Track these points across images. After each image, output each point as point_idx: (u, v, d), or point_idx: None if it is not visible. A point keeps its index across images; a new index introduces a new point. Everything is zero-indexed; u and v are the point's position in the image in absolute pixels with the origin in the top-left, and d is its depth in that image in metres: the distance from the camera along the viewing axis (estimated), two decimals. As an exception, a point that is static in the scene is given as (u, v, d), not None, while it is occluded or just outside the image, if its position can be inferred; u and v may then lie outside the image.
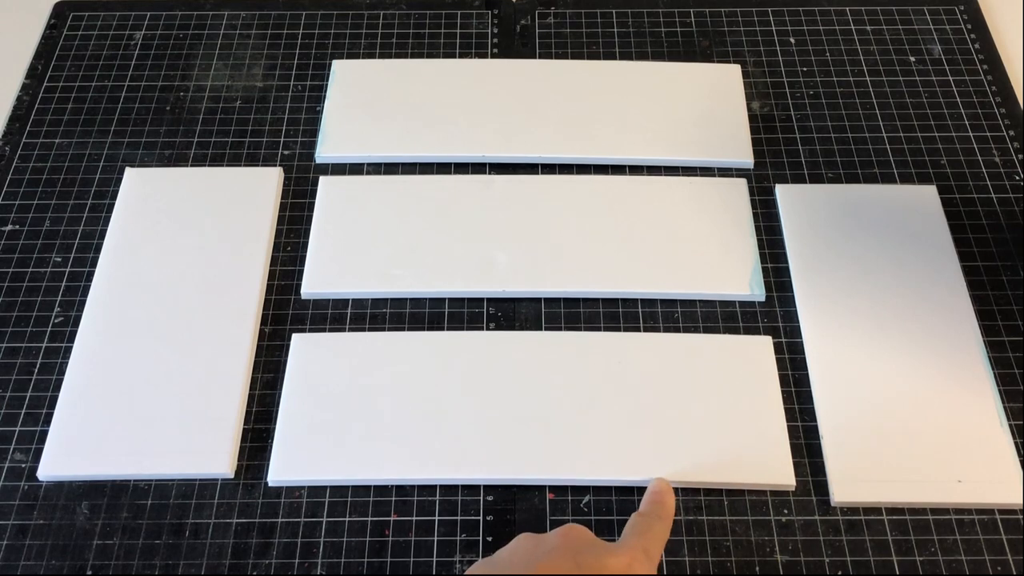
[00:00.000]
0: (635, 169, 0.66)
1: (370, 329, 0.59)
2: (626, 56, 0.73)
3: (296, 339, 0.57)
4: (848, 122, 0.69)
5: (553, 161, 0.66)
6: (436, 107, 0.69)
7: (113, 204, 0.63)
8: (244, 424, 0.55)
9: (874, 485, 0.52)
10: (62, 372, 0.56)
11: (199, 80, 0.72)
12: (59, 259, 0.62)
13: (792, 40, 0.74)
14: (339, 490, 0.53)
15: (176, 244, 0.61)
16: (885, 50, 0.73)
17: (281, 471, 0.53)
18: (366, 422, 0.54)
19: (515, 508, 0.52)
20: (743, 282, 0.60)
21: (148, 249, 0.61)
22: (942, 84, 0.71)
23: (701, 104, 0.69)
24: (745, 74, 0.71)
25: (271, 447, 0.53)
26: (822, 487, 0.52)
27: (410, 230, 0.62)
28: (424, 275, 0.60)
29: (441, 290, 0.60)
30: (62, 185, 0.66)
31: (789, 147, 0.67)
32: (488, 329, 0.59)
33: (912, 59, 0.73)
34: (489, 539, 0.51)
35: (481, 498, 0.53)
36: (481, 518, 0.52)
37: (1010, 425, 0.54)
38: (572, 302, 0.60)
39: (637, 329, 0.59)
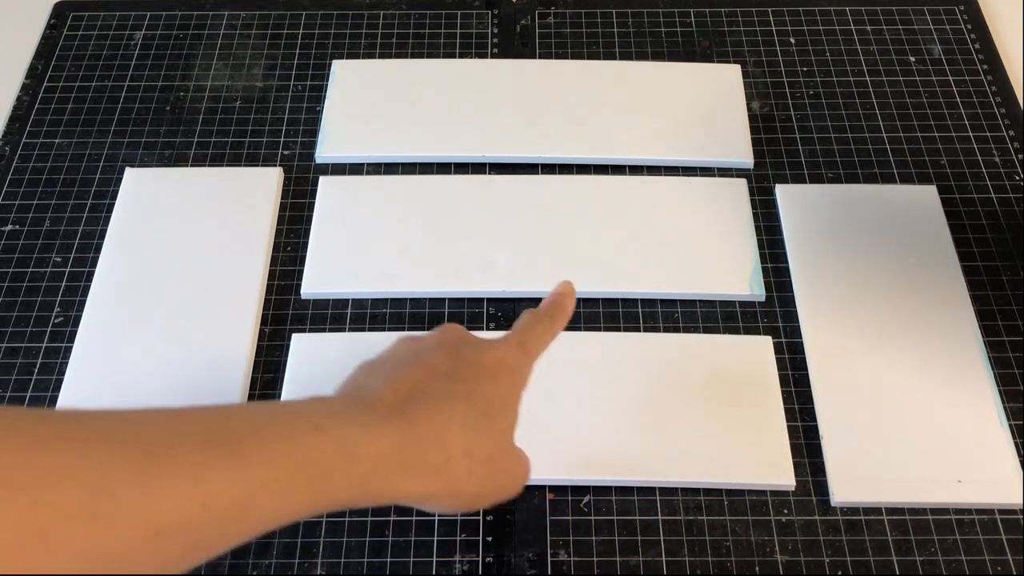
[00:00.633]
0: (635, 169, 0.66)
1: (370, 329, 0.59)
2: (626, 56, 0.73)
3: (296, 339, 0.57)
4: (848, 122, 0.69)
5: (553, 161, 0.66)
6: (436, 107, 0.69)
7: (113, 204, 0.63)
8: (244, 424, 0.55)
9: (874, 485, 0.52)
10: (62, 372, 0.56)
11: (199, 80, 0.72)
12: (59, 259, 0.62)
13: (792, 40, 0.74)
14: (339, 490, 0.53)
15: (176, 244, 0.61)
16: (885, 50, 0.73)
17: (281, 471, 0.52)
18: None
19: (515, 508, 0.52)
20: (743, 282, 0.60)
21: (148, 249, 0.61)
22: (942, 84, 0.71)
23: (701, 104, 0.69)
24: (745, 74, 0.71)
25: (271, 447, 0.53)
26: (822, 487, 0.52)
27: (410, 230, 0.62)
28: (424, 275, 0.60)
29: (441, 290, 0.60)
30: (62, 185, 0.66)
31: (789, 147, 0.67)
32: (488, 329, 0.59)
33: (912, 59, 0.73)
34: (489, 539, 0.51)
35: (481, 498, 0.52)
36: (481, 518, 0.52)
37: (1010, 425, 0.54)
38: (572, 302, 0.60)
39: (637, 329, 0.59)
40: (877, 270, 0.60)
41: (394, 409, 0.37)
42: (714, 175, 0.66)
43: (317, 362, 0.56)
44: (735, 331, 0.59)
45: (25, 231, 0.63)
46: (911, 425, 0.54)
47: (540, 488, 0.53)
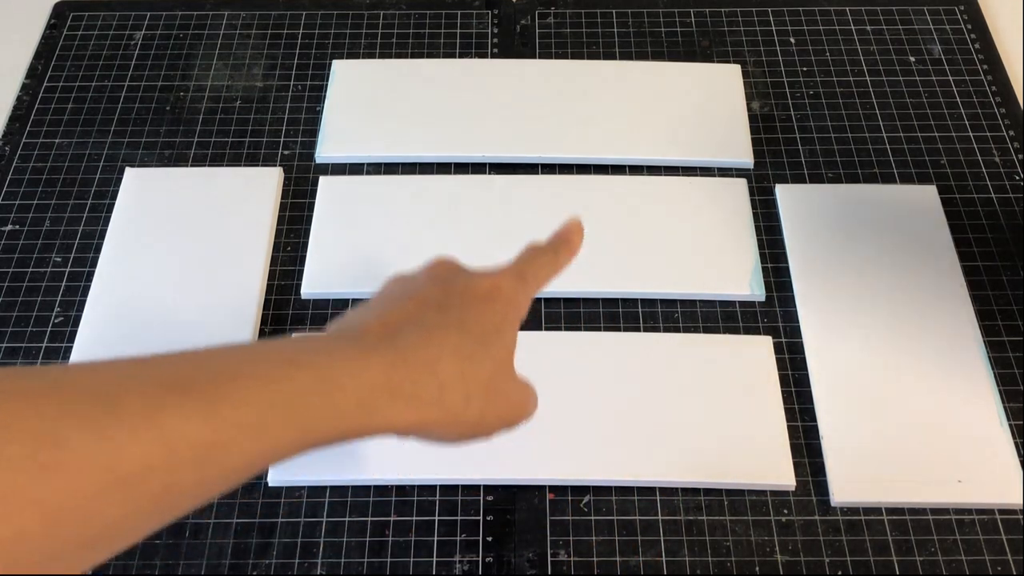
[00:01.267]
0: (635, 169, 0.66)
1: (370, 329, 0.59)
2: (626, 56, 0.73)
3: None
4: (848, 122, 0.69)
5: (553, 161, 0.66)
6: (436, 107, 0.69)
7: (113, 204, 0.63)
8: (244, 424, 0.55)
9: (874, 485, 0.52)
10: (62, 372, 0.56)
11: (199, 80, 0.72)
12: (59, 259, 0.62)
13: (792, 40, 0.74)
14: (339, 490, 0.53)
15: (176, 244, 0.61)
16: (885, 50, 0.73)
17: (281, 471, 0.53)
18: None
19: (515, 508, 0.52)
20: (743, 282, 0.60)
21: (148, 249, 0.61)
22: (942, 84, 0.71)
23: (701, 104, 0.69)
24: (745, 74, 0.71)
25: (271, 447, 0.53)
26: (822, 487, 0.52)
27: (410, 230, 0.62)
28: (424, 275, 0.60)
29: (441, 290, 0.60)
30: (62, 185, 0.66)
31: (789, 147, 0.67)
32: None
33: (912, 59, 0.73)
34: (489, 539, 0.51)
35: (481, 498, 0.53)
36: (481, 518, 0.52)
37: (1010, 425, 0.54)
38: (572, 302, 0.60)
39: (637, 329, 0.59)
40: (877, 270, 0.60)
41: (382, 339, 0.36)
42: (714, 175, 0.66)
43: None
44: (735, 331, 0.59)
45: (25, 231, 0.63)
46: (911, 425, 0.54)
47: (540, 488, 0.53)
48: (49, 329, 0.59)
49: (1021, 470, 0.52)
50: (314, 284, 0.60)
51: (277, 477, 0.52)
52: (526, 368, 0.56)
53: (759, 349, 0.57)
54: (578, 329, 0.59)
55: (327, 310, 0.60)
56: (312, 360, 0.34)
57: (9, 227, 0.64)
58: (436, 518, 0.52)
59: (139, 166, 0.66)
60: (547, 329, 0.59)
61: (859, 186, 0.65)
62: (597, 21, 0.75)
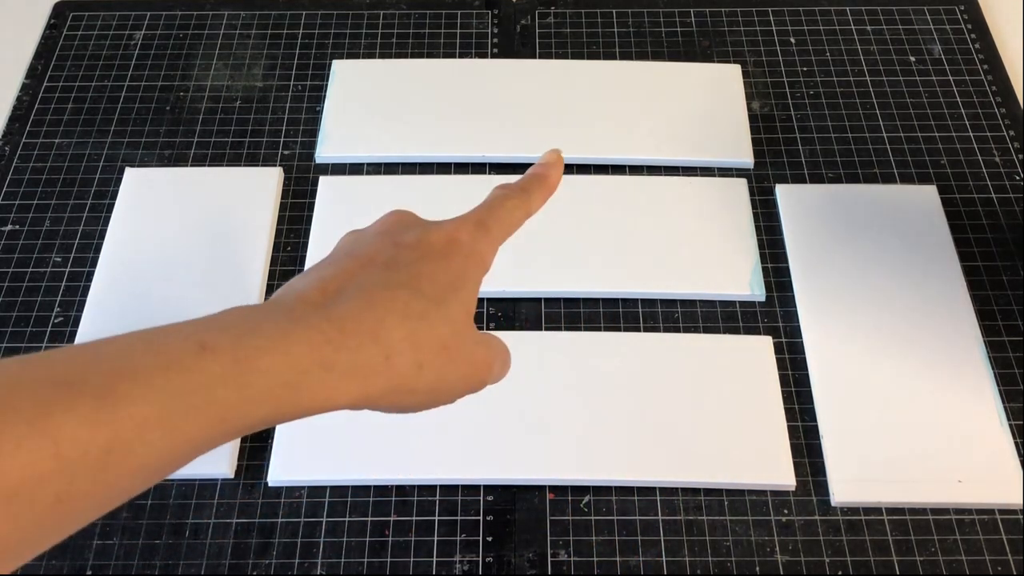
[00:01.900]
0: (635, 169, 0.66)
1: (370, 329, 0.59)
2: (626, 56, 0.73)
3: None
4: (848, 122, 0.69)
5: (553, 161, 0.66)
6: (436, 107, 0.69)
7: (113, 204, 0.63)
8: (244, 424, 0.55)
9: (874, 485, 0.52)
10: (62, 372, 0.56)
11: (199, 80, 0.72)
12: (59, 259, 0.62)
13: (792, 40, 0.74)
14: (339, 490, 0.53)
15: (176, 244, 0.61)
16: (885, 50, 0.73)
17: (281, 471, 0.53)
18: (366, 422, 0.54)
19: (515, 508, 0.52)
20: (743, 282, 0.60)
21: (148, 249, 0.61)
22: (942, 84, 0.71)
23: (701, 104, 0.69)
24: (745, 74, 0.71)
25: (271, 447, 0.53)
26: (822, 487, 0.52)
27: (410, 230, 0.62)
28: (424, 275, 0.60)
29: (441, 290, 0.60)
30: (62, 185, 0.66)
31: (789, 147, 0.67)
32: (488, 329, 0.59)
33: (912, 59, 0.73)
34: (489, 539, 0.51)
35: (481, 498, 0.52)
36: (481, 518, 0.52)
37: (1010, 425, 0.54)
38: (572, 302, 0.60)
39: (637, 329, 0.59)
40: (877, 270, 0.60)
41: (316, 308, 0.32)
42: (714, 175, 0.66)
43: None
44: (735, 331, 0.59)
45: (25, 231, 0.63)
46: (911, 425, 0.54)
47: (540, 488, 0.53)
48: (49, 329, 0.59)
49: (1021, 470, 0.52)
50: (314, 284, 0.60)
51: (277, 477, 0.52)
52: (526, 368, 0.56)
53: (759, 349, 0.57)
54: (578, 329, 0.59)
55: (327, 310, 0.59)
56: (226, 341, 0.30)
57: (9, 227, 0.64)
58: (436, 518, 0.52)
59: (139, 166, 0.66)
60: (547, 329, 0.59)
61: (859, 186, 0.65)
62: (597, 21, 0.75)
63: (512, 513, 0.52)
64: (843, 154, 0.67)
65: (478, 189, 0.64)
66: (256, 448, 0.54)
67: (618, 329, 0.59)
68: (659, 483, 0.52)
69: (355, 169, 0.67)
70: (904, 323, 0.57)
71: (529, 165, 0.66)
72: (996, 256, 0.62)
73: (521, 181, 0.41)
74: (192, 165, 0.67)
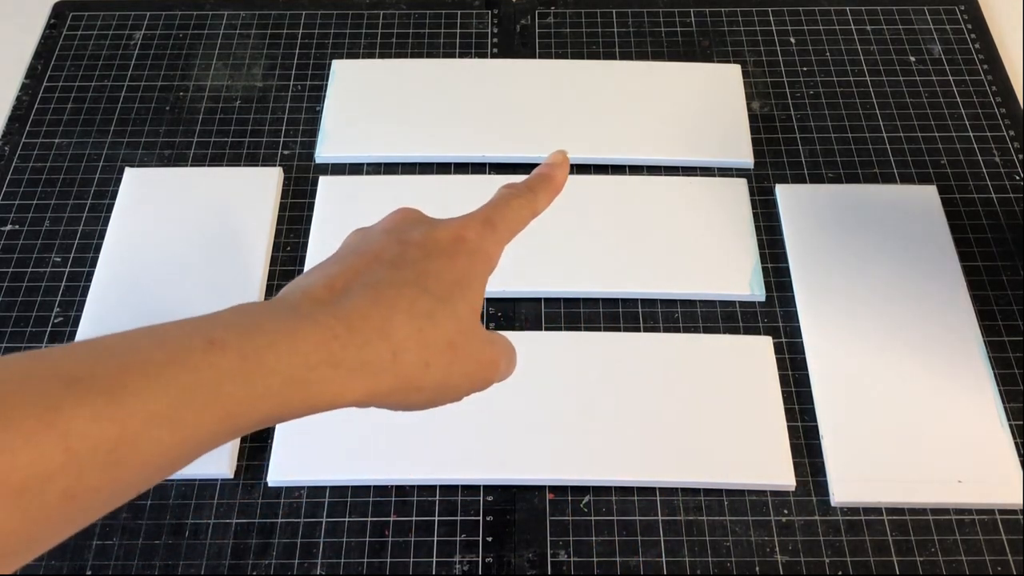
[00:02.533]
0: (635, 169, 0.66)
1: (370, 329, 0.59)
2: (626, 56, 0.73)
3: None
4: (848, 122, 0.69)
5: (553, 161, 0.66)
6: (436, 107, 0.69)
7: (113, 204, 0.63)
8: (244, 424, 0.55)
9: (874, 485, 0.52)
10: (62, 372, 0.56)
11: (199, 80, 0.72)
12: (59, 259, 0.62)
13: (792, 40, 0.74)
14: (339, 490, 0.53)
15: (176, 244, 0.61)
16: (885, 50, 0.73)
17: (281, 471, 0.53)
18: (366, 422, 0.54)
19: (515, 508, 0.52)
20: (743, 282, 0.60)
21: (148, 249, 0.61)
22: (942, 84, 0.71)
23: (701, 104, 0.69)
24: (745, 74, 0.71)
25: (271, 447, 0.53)
26: (822, 487, 0.52)
27: (410, 230, 0.62)
28: (424, 275, 0.60)
29: (441, 290, 0.60)
30: (62, 185, 0.66)
31: (789, 147, 0.67)
32: (488, 329, 0.59)
33: (912, 59, 0.73)
34: (489, 539, 0.51)
35: (481, 498, 0.52)
36: (481, 518, 0.52)
37: (1010, 425, 0.54)
38: (572, 302, 0.60)
39: (637, 329, 0.59)
40: (877, 270, 0.60)
41: (324, 305, 0.32)
42: (714, 175, 0.66)
43: None
44: (735, 331, 0.59)
45: (25, 231, 0.63)
46: (911, 425, 0.54)
47: (540, 488, 0.53)
48: (49, 329, 0.59)
49: (1021, 470, 0.52)
50: (314, 284, 0.60)
51: (277, 477, 0.52)
52: (527, 367, 0.56)
53: (759, 349, 0.57)
54: (578, 329, 0.59)
55: (327, 310, 0.59)
56: (234, 338, 0.30)
57: (9, 227, 0.64)
58: (436, 518, 0.52)
59: (139, 166, 0.66)
60: (547, 329, 0.59)
61: (859, 186, 0.65)
62: (597, 21, 0.75)
63: (512, 513, 0.52)
64: (843, 154, 0.67)
65: (478, 189, 0.64)
66: (256, 448, 0.54)
67: (618, 329, 0.59)
68: (659, 483, 0.52)
69: (355, 169, 0.67)
70: (904, 323, 0.57)
71: (529, 165, 0.66)
72: (996, 256, 0.62)
73: (527, 180, 0.41)
74: (192, 165, 0.67)
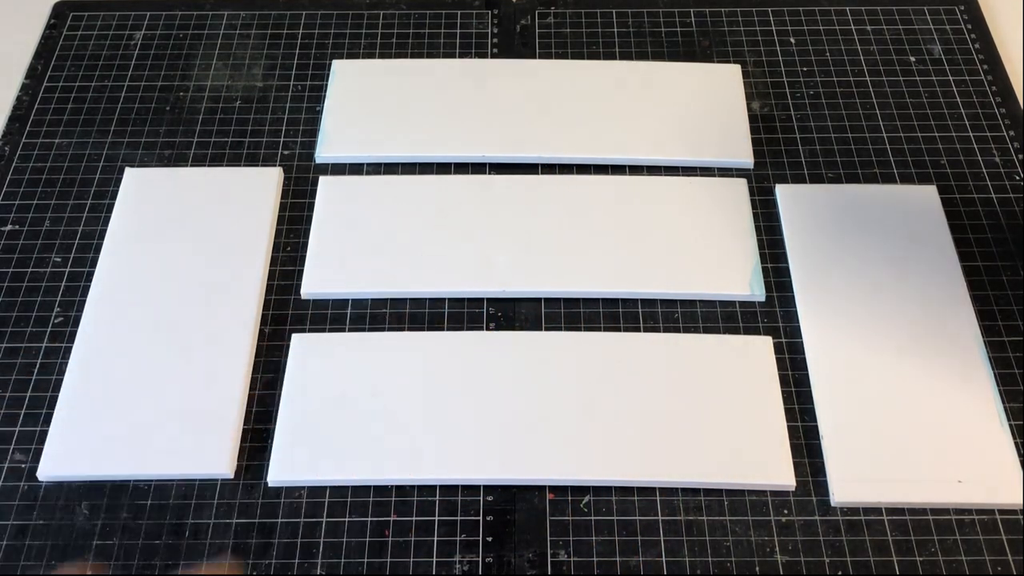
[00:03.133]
0: (635, 169, 0.66)
1: (370, 329, 0.59)
2: (626, 56, 0.73)
3: (296, 339, 0.57)
4: (848, 122, 0.69)
5: (553, 161, 0.66)
6: (436, 107, 0.69)
7: (113, 204, 0.63)
8: (244, 424, 0.55)
9: (874, 485, 0.52)
10: (62, 372, 0.56)
11: (199, 80, 0.72)
12: (59, 259, 0.62)
13: (792, 40, 0.74)
14: (339, 490, 0.53)
15: (176, 244, 0.61)
16: (885, 50, 0.73)
17: (281, 471, 0.53)
18: (366, 422, 0.54)
19: (515, 508, 0.52)
20: (743, 282, 0.60)
21: (148, 249, 0.61)
22: (942, 84, 0.71)
23: (701, 104, 0.69)
24: (745, 74, 0.71)
25: (271, 447, 0.53)
26: (822, 487, 0.52)
27: (410, 230, 0.62)
28: (424, 275, 0.60)
29: (441, 290, 0.60)
30: (62, 185, 0.66)
31: (789, 147, 0.67)
32: (488, 329, 0.59)
33: (912, 59, 0.73)
34: (489, 539, 0.51)
35: (481, 498, 0.52)
36: (481, 518, 0.52)
37: (1010, 425, 0.54)
38: (572, 302, 0.60)
39: (637, 329, 0.59)
40: (877, 270, 0.60)
41: None
42: (714, 175, 0.66)
43: (317, 362, 0.56)
44: (735, 331, 0.59)
45: (25, 231, 0.63)
46: (911, 425, 0.54)
47: (540, 488, 0.53)
48: (49, 329, 0.59)
49: (1021, 470, 0.52)
50: (314, 284, 0.60)
51: (277, 477, 0.52)
52: (527, 367, 0.56)
53: (759, 349, 0.57)
54: (578, 329, 0.59)
55: (327, 310, 0.60)
56: None
57: (9, 227, 0.64)
58: (436, 518, 0.52)
59: (139, 166, 0.66)
60: (547, 329, 0.59)
61: (859, 186, 0.65)
62: (597, 21, 0.75)
63: (512, 513, 0.52)
64: (843, 154, 0.67)
65: (478, 189, 0.64)
66: (256, 448, 0.54)
67: (618, 329, 0.59)
68: (659, 483, 0.52)
69: (355, 169, 0.67)
70: (904, 323, 0.57)
71: (529, 165, 0.66)
72: (996, 256, 0.62)
73: None
74: (192, 165, 0.67)
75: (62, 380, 0.56)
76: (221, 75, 0.72)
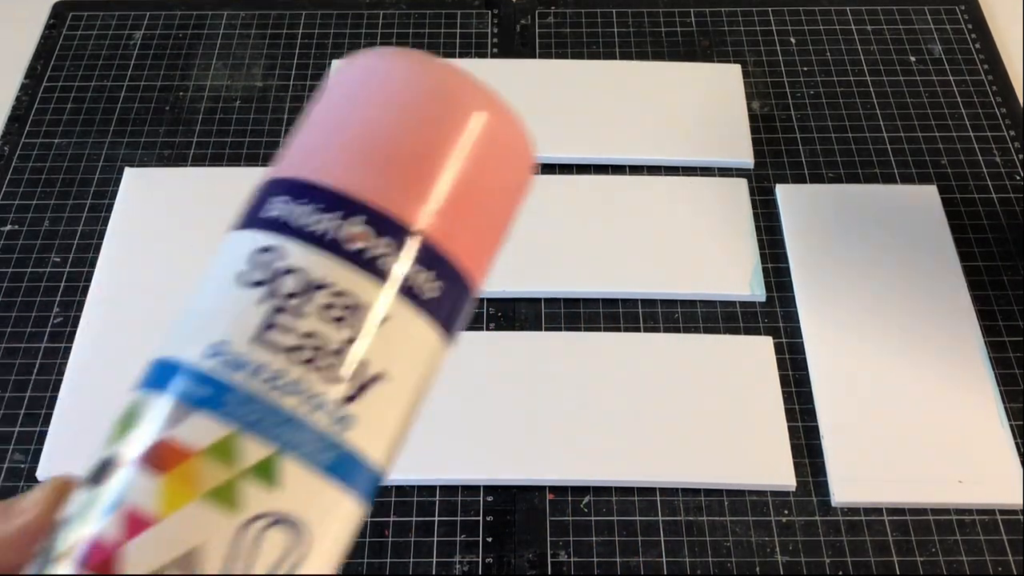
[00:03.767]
0: (635, 169, 0.66)
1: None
2: (626, 56, 0.73)
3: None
4: (848, 122, 0.69)
5: (553, 161, 0.66)
6: (436, 107, 0.68)
7: (113, 204, 0.63)
8: (244, 424, 0.55)
9: (874, 485, 0.52)
10: (61, 372, 0.56)
11: (199, 80, 0.72)
12: (58, 259, 0.62)
13: (792, 40, 0.74)
14: (339, 490, 0.53)
15: (175, 244, 0.61)
16: (885, 50, 0.73)
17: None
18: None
19: (515, 508, 0.52)
20: (743, 282, 0.60)
21: (148, 249, 0.61)
22: (942, 84, 0.71)
23: (701, 104, 0.69)
24: (745, 74, 0.71)
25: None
26: (822, 487, 0.52)
27: (410, 230, 0.62)
28: (424, 275, 0.60)
29: (441, 290, 0.60)
30: (62, 185, 0.66)
31: (789, 147, 0.67)
32: (488, 329, 0.59)
33: (912, 59, 0.73)
34: (489, 539, 0.51)
35: (481, 498, 0.52)
36: (481, 518, 0.52)
37: (1010, 425, 0.54)
38: (572, 302, 0.60)
39: (637, 329, 0.59)
40: (877, 270, 0.60)
41: None
42: (714, 175, 0.66)
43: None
44: (735, 331, 0.59)
45: (24, 231, 0.63)
46: (911, 425, 0.54)
47: (540, 488, 0.53)
48: (48, 329, 0.59)
49: (1021, 470, 0.52)
50: (314, 284, 0.60)
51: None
52: (527, 367, 0.56)
53: (759, 349, 0.57)
54: (578, 329, 0.59)
55: (327, 310, 0.59)
56: None
57: (8, 227, 0.64)
58: (436, 518, 0.52)
59: (139, 166, 0.66)
60: (547, 329, 0.59)
61: (859, 186, 0.65)
62: (597, 21, 0.75)
63: (512, 513, 0.52)
64: (843, 154, 0.67)
65: (478, 189, 0.64)
66: (256, 448, 0.54)
67: (618, 329, 0.59)
68: (659, 483, 0.52)
69: (355, 169, 0.67)
70: (904, 323, 0.57)
71: (529, 165, 0.66)
72: (996, 256, 0.62)
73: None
74: (192, 165, 0.67)
75: (62, 380, 0.56)
76: (221, 75, 0.72)
